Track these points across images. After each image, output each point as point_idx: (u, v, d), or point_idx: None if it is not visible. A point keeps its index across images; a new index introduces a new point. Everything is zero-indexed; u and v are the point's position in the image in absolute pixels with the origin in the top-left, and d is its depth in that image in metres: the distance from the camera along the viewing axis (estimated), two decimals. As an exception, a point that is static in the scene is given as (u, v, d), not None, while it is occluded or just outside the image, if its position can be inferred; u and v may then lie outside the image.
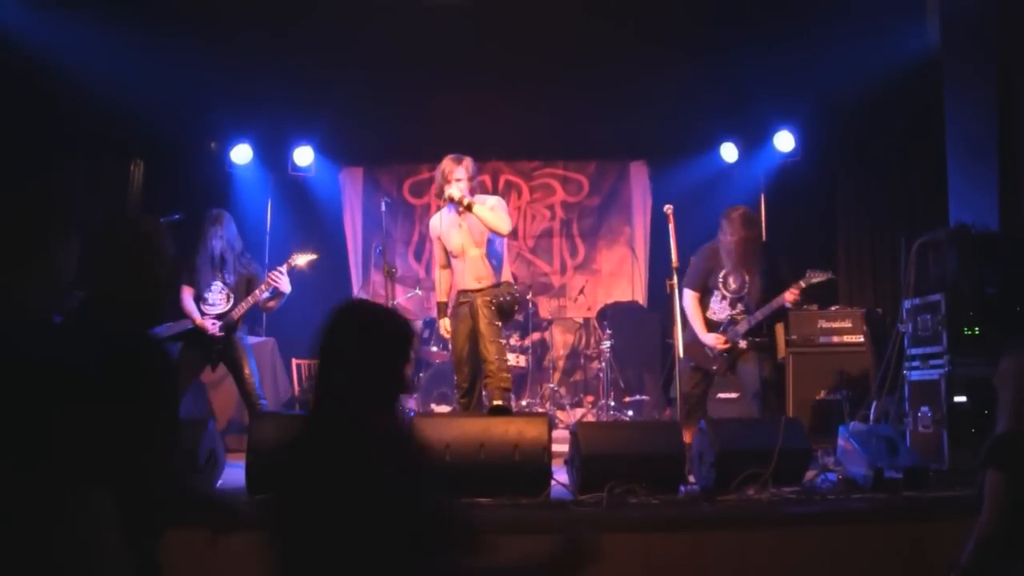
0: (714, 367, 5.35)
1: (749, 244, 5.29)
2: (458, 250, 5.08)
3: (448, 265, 5.28)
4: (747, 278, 5.31)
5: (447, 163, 5.03)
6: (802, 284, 5.18)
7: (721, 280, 5.36)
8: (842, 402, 5.82)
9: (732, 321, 5.34)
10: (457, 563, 1.86)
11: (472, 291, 5.07)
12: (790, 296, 5.15)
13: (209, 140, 8.38)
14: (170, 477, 1.95)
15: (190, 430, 4.45)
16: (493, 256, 5.12)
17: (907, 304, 5.01)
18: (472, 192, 5.02)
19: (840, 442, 4.51)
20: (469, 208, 4.91)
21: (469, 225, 5.06)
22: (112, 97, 6.83)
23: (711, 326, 5.40)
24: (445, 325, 5.27)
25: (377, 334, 1.97)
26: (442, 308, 5.32)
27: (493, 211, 4.99)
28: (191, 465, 4.27)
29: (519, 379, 8.02)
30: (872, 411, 5.27)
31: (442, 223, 5.19)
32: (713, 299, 5.42)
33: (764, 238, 7.63)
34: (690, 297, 5.45)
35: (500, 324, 5.00)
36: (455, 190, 4.93)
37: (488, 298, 4.95)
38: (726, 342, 5.29)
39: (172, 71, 6.84)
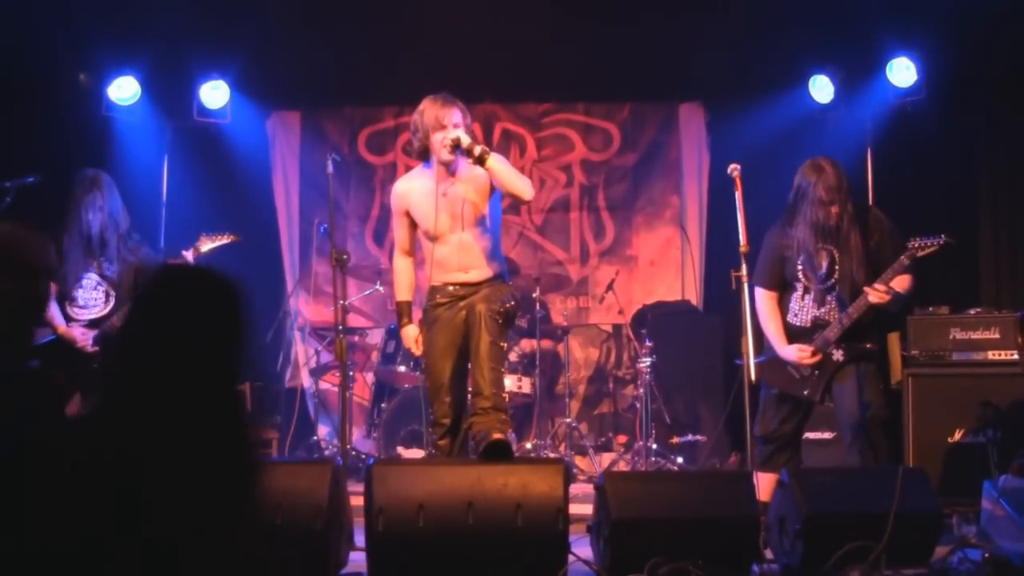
0: (805, 392, 5.31)
1: (839, 205, 5.25)
2: (437, 230, 5.05)
3: (413, 252, 5.27)
4: (837, 256, 5.28)
5: (434, 105, 5.02)
6: (904, 260, 5.15)
7: (801, 266, 5.33)
8: (987, 446, 5.78)
9: (820, 324, 5.30)
10: None
11: (460, 286, 5.04)
12: (874, 295, 5.11)
13: (77, 70, 8.33)
14: None
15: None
16: (487, 238, 5.09)
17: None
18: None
19: (986, 504, 4.48)
20: (482, 161, 4.89)
21: (456, 195, 5.04)
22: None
23: (793, 334, 5.37)
24: (411, 335, 5.25)
25: None
26: (405, 310, 5.28)
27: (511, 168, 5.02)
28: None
29: (522, 412, 7.99)
30: (1033, 460, 5.24)
31: (414, 190, 5.17)
32: (793, 296, 5.40)
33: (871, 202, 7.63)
34: (763, 297, 5.43)
35: (504, 346, 4.99)
36: (462, 135, 4.92)
37: (496, 306, 4.91)
38: (814, 353, 5.26)
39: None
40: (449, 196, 5.04)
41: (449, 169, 5.05)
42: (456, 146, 4.91)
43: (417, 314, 5.39)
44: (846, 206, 5.26)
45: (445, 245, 5.07)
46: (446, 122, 4.97)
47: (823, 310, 5.33)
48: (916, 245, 5.16)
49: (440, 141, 4.97)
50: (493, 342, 4.85)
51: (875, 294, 5.10)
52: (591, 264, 9.11)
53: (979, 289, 7.92)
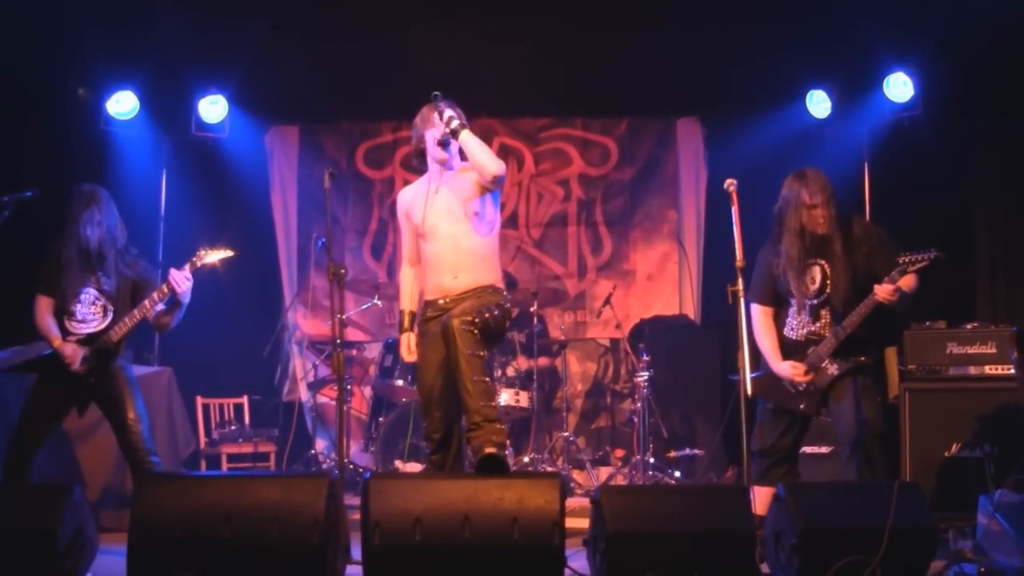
0: (801, 407, 5.31)
1: (823, 207, 5.25)
2: (429, 226, 5.09)
3: (418, 262, 5.30)
4: (829, 270, 5.29)
5: (426, 108, 5.15)
6: (895, 276, 5.15)
7: (791, 283, 5.33)
8: (984, 460, 5.78)
9: (814, 338, 5.30)
10: None
11: (447, 299, 5.04)
12: (882, 292, 5.12)
13: (76, 85, 8.35)
14: None
15: (46, 501, 4.40)
16: (478, 238, 5.10)
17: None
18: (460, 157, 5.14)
19: (981, 519, 4.47)
20: (455, 134, 4.97)
21: (447, 190, 5.11)
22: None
23: (788, 349, 5.37)
24: (408, 343, 5.27)
25: None
26: (406, 318, 5.30)
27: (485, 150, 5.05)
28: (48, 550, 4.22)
29: (520, 425, 7.99)
30: (1029, 474, 5.23)
31: (411, 192, 5.27)
32: (790, 311, 5.40)
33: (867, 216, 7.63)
34: (758, 312, 5.44)
35: (484, 355, 4.95)
36: (447, 109, 5.01)
37: (470, 318, 4.88)
38: (807, 371, 5.26)
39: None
40: (441, 192, 5.12)
41: (445, 166, 5.13)
42: (438, 116, 4.99)
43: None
44: (830, 209, 5.26)
45: (436, 242, 5.10)
46: (434, 118, 5.07)
47: (818, 325, 5.32)
48: (907, 260, 5.15)
49: (432, 136, 5.09)
50: (471, 354, 4.82)
51: (883, 291, 5.09)
52: (589, 279, 9.13)
53: (975, 304, 7.93)
